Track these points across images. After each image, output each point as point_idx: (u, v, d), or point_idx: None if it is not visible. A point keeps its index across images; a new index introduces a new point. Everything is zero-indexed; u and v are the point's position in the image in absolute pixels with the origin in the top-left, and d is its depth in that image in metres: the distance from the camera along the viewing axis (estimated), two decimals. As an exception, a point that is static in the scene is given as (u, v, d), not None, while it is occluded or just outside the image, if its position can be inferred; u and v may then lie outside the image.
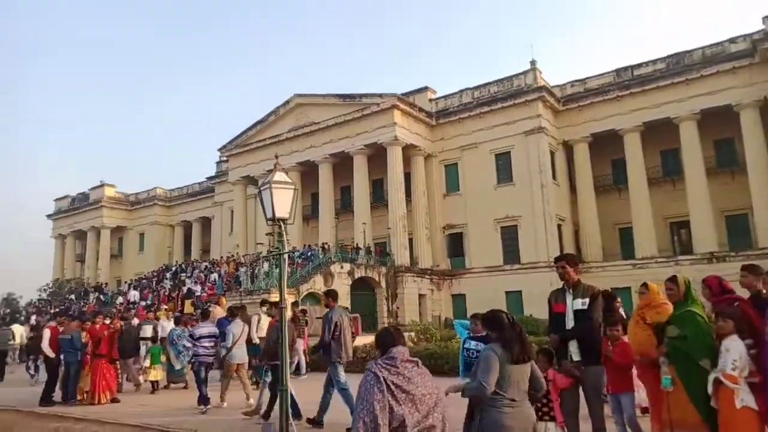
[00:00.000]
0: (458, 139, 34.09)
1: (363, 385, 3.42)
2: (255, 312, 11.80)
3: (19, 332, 18.29)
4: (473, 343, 5.85)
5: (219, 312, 11.54)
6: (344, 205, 36.67)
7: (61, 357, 10.81)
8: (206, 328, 10.16)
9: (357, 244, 30.81)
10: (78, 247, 53.30)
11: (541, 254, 29.71)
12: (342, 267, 27.03)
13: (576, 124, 32.61)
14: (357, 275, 27.83)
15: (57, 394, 10.79)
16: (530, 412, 3.65)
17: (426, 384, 3.44)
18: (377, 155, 33.22)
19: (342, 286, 26.34)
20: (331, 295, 7.93)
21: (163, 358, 12.19)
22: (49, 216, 55.06)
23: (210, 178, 47.39)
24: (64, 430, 8.46)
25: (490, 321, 3.76)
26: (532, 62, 32.53)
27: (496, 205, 31.90)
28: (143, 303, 28.00)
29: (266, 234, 33.05)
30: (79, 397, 10.42)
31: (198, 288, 27.45)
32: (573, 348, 4.92)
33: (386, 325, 27.22)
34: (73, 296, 37.90)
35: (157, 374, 11.91)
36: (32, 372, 15.11)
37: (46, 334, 11.13)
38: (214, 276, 29.43)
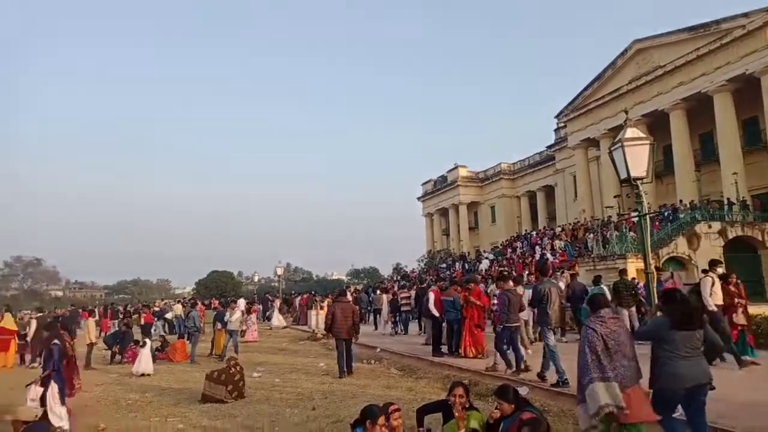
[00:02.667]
0: None
1: (583, 334, 4.94)
2: (707, 275, 10.25)
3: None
4: None
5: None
6: (705, 155, 31.50)
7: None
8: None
9: (727, 199, 26.20)
10: (442, 223, 61.36)
11: None
12: (710, 226, 23.47)
13: None
14: (731, 235, 23.73)
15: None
16: (702, 364, 4.76)
17: (625, 333, 4.94)
18: (746, 89, 27.27)
19: (711, 247, 22.93)
20: (541, 270, 10.28)
21: None
22: (418, 198, 65.22)
23: (549, 147, 47.64)
24: (452, 377, 10.13)
25: (664, 298, 5.14)
26: None
27: None
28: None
29: (614, 196, 31.33)
30: (460, 351, 12.33)
31: (549, 255, 28.22)
32: None
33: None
34: (444, 265, 43.97)
35: None
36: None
37: (431, 296, 13.46)
38: (561, 243, 29.69)
